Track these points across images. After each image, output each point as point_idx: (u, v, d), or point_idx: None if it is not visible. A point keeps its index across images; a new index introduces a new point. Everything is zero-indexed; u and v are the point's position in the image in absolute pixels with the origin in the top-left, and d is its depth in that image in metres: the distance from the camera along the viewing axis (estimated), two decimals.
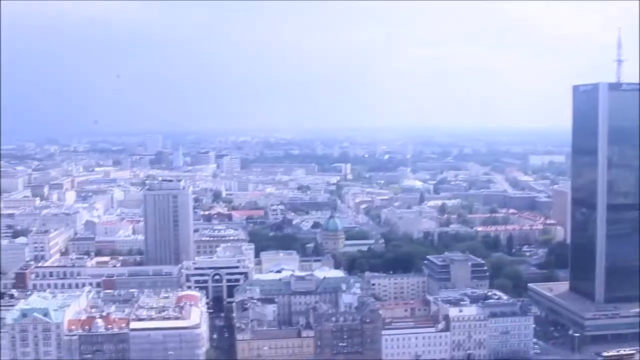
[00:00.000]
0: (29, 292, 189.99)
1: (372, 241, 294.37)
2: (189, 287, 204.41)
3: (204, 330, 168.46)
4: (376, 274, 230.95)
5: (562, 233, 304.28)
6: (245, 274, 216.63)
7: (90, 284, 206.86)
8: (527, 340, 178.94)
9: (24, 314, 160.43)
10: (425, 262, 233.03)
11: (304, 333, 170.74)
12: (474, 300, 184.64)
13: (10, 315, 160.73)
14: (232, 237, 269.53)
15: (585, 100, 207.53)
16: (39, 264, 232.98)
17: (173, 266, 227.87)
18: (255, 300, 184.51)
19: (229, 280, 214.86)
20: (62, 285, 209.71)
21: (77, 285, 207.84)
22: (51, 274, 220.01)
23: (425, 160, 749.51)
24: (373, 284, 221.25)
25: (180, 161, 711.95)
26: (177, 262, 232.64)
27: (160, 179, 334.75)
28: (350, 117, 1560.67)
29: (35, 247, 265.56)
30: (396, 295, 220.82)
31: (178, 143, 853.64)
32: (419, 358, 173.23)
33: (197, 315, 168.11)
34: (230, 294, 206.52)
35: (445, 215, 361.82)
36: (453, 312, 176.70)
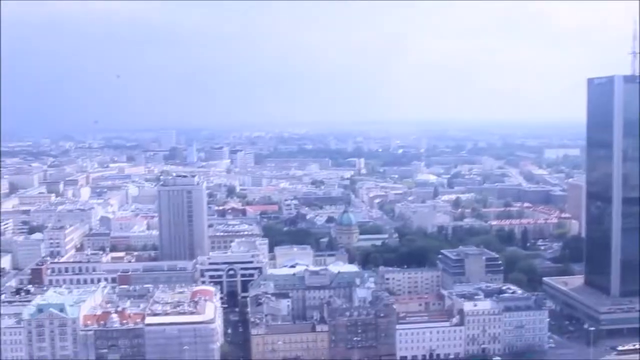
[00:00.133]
0: (45, 288, 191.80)
1: (386, 235, 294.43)
2: (204, 282, 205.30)
3: (218, 325, 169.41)
4: (390, 268, 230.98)
5: (577, 227, 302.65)
6: (260, 269, 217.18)
7: (106, 280, 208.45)
8: (542, 334, 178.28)
9: (40, 310, 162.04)
10: (440, 256, 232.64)
11: (318, 328, 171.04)
12: (489, 294, 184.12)
13: (27, 311, 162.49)
14: (246, 232, 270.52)
15: (600, 93, 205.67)
16: (55, 260, 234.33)
17: (187, 261, 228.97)
18: (269, 295, 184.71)
19: (243, 275, 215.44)
20: (78, 281, 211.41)
21: (92, 281, 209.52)
22: (67, 270, 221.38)
23: (440, 155, 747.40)
24: (387, 279, 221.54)
25: (195, 157, 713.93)
26: (191, 258, 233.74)
27: (174, 174, 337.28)
28: (364, 111, 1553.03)
29: (51, 243, 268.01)
30: (410, 290, 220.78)
31: (192, 139, 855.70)
32: (433, 352, 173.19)
33: (212, 310, 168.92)
34: (245, 289, 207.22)
35: (460, 210, 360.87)
36: (467, 306, 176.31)
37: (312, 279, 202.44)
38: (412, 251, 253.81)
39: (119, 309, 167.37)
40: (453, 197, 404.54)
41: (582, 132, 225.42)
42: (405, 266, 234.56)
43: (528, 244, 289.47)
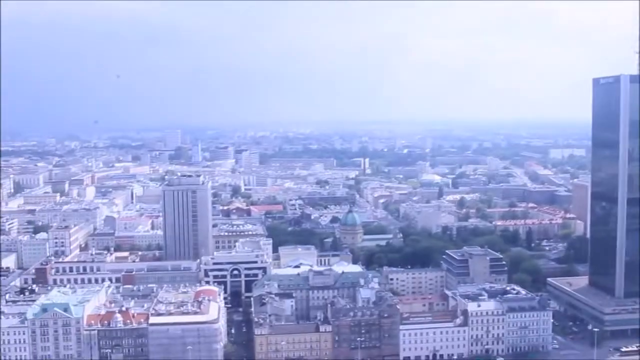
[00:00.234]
0: (49, 287, 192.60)
1: (390, 236, 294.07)
2: (208, 282, 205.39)
3: (222, 325, 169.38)
4: (394, 268, 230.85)
5: (581, 227, 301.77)
6: (264, 269, 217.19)
7: (110, 279, 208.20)
8: (546, 335, 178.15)
9: (44, 309, 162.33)
10: (444, 256, 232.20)
11: (322, 328, 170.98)
12: (493, 295, 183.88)
13: (31, 310, 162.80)
14: (250, 232, 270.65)
15: (605, 92, 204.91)
16: (60, 259, 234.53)
17: (192, 261, 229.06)
18: (273, 295, 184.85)
19: (247, 275, 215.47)
20: (82, 281, 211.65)
21: (96, 281, 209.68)
22: (71, 269, 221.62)
23: (444, 155, 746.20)
24: (391, 279, 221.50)
25: (199, 156, 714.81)
26: (195, 257, 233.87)
27: (179, 174, 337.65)
28: (369, 111, 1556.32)
29: (56, 243, 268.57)
30: (414, 290, 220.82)
31: (197, 138, 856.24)
32: (436, 353, 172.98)
33: (216, 310, 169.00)
34: (249, 289, 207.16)
35: (464, 210, 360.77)
36: (471, 306, 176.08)
37: (316, 279, 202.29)
38: (417, 251, 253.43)
39: (123, 308, 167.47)
40: (458, 197, 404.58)
41: (588, 132, 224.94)
42: (409, 266, 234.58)
43: (532, 245, 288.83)
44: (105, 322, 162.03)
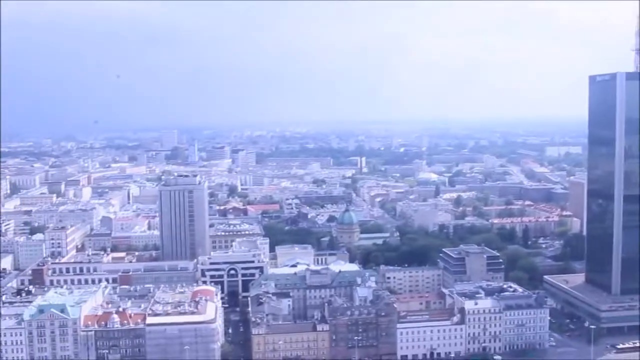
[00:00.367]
0: (46, 288, 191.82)
1: (387, 234, 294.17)
2: (205, 282, 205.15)
3: (219, 324, 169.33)
4: (391, 267, 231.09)
5: (578, 225, 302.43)
6: (261, 269, 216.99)
7: (107, 280, 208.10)
8: (543, 332, 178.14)
9: (41, 310, 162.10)
10: (441, 254, 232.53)
11: (319, 327, 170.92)
12: (490, 292, 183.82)
13: (27, 312, 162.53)
14: (247, 232, 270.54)
15: (602, 90, 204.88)
16: (56, 260, 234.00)
17: (189, 261, 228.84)
18: (270, 295, 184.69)
19: (244, 275, 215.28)
20: (79, 281, 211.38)
21: (93, 281, 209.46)
22: (68, 270, 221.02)
23: (441, 153, 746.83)
24: (388, 277, 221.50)
25: (196, 156, 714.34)
26: (192, 257, 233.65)
27: (175, 174, 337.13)
28: (369, 111, 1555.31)
29: (52, 244, 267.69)
30: (411, 289, 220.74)
31: (194, 138, 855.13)
32: (434, 351, 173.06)
33: (213, 310, 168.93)
34: (246, 289, 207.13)
35: (461, 208, 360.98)
36: (468, 305, 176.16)
37: (313, 278, 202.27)
38: (413, 250, 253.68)
39: (120, 309, 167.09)
40: (454, 195, 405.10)
41: (584, 130, 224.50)
42: (406, 265, 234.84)
43: (529, 242, 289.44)
44: (103, 322, 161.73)
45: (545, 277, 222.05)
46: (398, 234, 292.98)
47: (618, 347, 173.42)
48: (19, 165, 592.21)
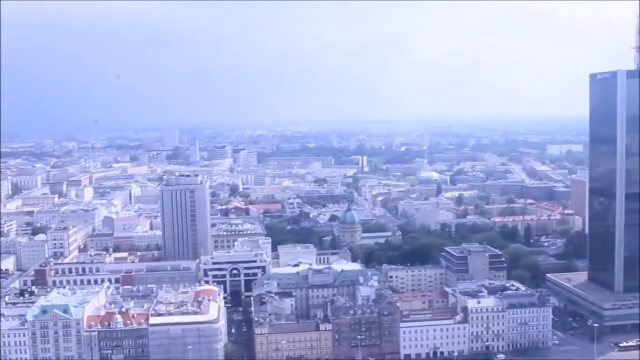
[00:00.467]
0: (48, 289, 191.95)
1: (389, 233, 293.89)
2: (207, 282, 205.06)
3: (222, 324, 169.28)
4: (394, 266, 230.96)
5: (580, 223, 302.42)
6: (263, 268, 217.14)
7: (109, 280, 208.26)
8: (546, 331, 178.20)
9: (44, 311, 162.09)
10: (443, 253, 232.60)
11: (322, 326, 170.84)
12: (492, 291, 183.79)
13: (30, 312, 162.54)
14: (249, 231, 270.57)
15: (603, 88, 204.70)
16: (59, 261, 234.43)
17: (191, 261, 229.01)
18: (272, 294, 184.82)
19: (246, 275, 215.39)
20: (82, 282, 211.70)
21: (96, 282, 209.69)
22: (70, 271, 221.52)
23: (442, 152, 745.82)
24: (390, 276, 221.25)
25: (197, 156, 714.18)
26: (195, 257, 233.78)
27: (177, 174, 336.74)
28: (369, 111, 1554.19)
29: (55, 244, 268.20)
30: (414, 287, 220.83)
31: (195, 138, 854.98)
32: (437, 350, 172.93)
33: (215, 309, 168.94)
34: (248, 288, 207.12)
35: (463, 207, 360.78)
36: (471, 303, 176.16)
37: (315, 277, 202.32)
38: (416, 249, 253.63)
39: (123, 309, 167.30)
40: (456, 194, 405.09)
41: (585, 128, 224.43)
42: (409, 264, 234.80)
43: (531, 241, 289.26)
44: (106, 323, 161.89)
45: (548, 275, 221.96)
46: (400, 233, 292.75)
47: (621, 345, 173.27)
48: (21, 166, 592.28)
